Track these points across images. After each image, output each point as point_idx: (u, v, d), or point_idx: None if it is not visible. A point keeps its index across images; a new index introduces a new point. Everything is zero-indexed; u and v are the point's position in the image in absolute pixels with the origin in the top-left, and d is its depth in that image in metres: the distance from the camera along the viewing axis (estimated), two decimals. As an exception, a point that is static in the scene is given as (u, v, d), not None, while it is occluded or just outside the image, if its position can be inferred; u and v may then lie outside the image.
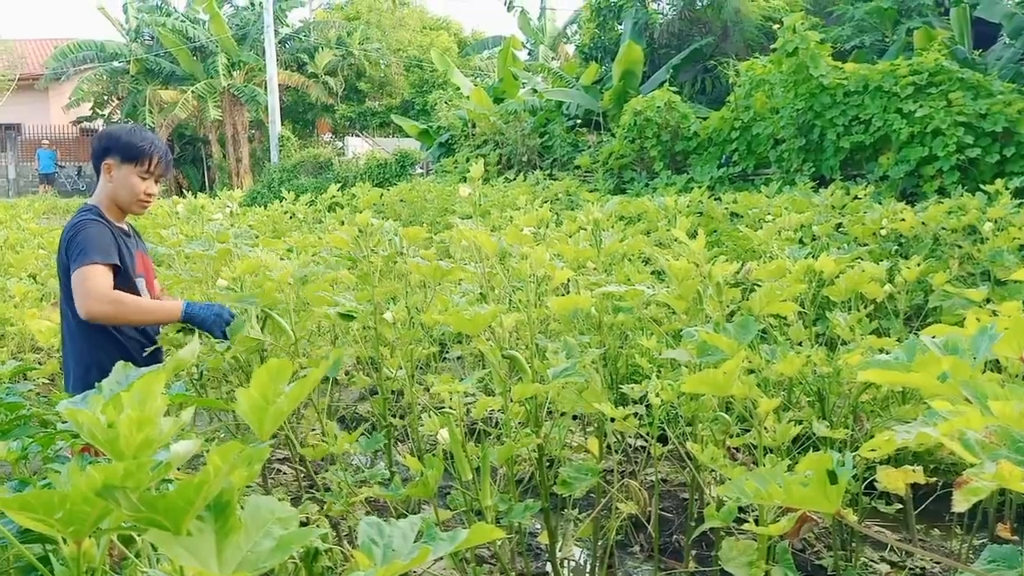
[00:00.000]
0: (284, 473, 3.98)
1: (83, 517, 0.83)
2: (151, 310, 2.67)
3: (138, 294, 2.75)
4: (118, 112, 26.97)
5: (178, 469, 1.05)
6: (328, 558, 1.57)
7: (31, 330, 3.85)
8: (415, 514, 1.04)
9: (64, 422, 1.56)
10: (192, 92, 24.30)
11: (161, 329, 2.82)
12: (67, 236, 2.64)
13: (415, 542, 0.99)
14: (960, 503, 0.92)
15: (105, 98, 27.28)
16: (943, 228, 4.76)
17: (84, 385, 2.59)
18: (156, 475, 0.87)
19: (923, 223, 4.79)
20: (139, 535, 1.12)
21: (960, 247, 4.59)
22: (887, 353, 1.32)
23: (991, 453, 0.96)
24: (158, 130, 22.94)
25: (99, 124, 28.03)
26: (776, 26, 9.65)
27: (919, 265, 3.35)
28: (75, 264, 2.56)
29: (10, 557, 2.13)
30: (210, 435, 3.21)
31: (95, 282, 2.56)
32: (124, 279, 2.69)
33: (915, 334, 1.48)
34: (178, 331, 2.80)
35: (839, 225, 5.19)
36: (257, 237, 4.57)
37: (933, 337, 1.24)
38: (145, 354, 2.74)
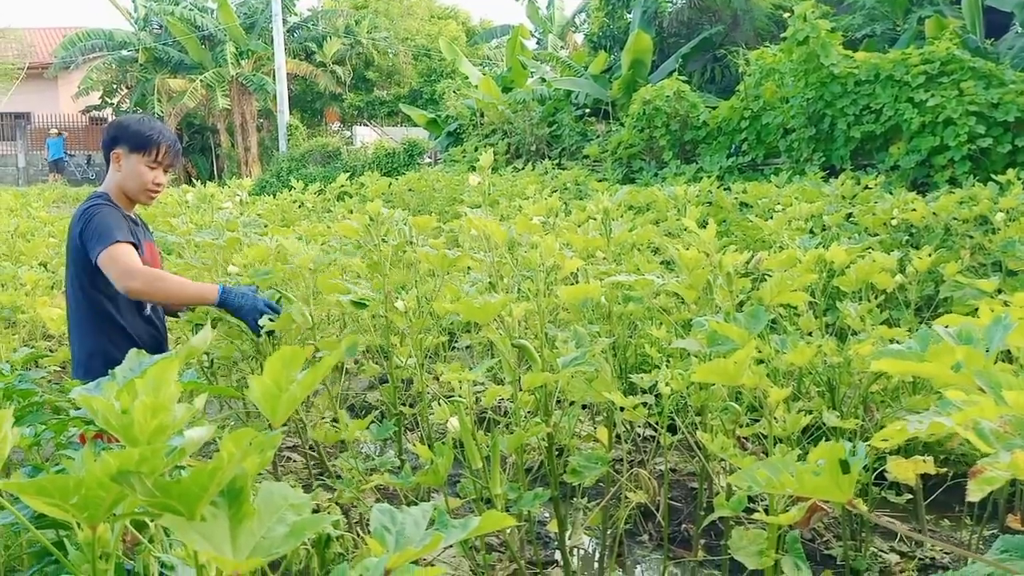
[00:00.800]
0: (294, 461, 3.99)
1: (98, 502, 0.83)
2: (188, 290, 2.68)
3: None
4: (127, 101, 27.01)
5: (190, 456, 1.05)
6: (339, 544, 1.58)
7: (43, 318, 3.87)
8: (425, 502, 1.04)
9: (77, 409, 1.57)
10: (201, 81, 24.31)
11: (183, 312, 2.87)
12: (81, 221, 2.63)
13: (427, 529, 0.99)
14: (975, 492, 0.91)
15: (114, 87, 27.32)
16: (954, 218, 4.73)
17: (86, 371, 2.60)
18: (170, 461, 0.87)
19: (934, 213, 4.76)
20: (152, 521, 1.12)
21: (971, 237, 4.57)
22: (899, 343, 1.32)
23: (1006, 443, 0.96)
24: (167, 119, 22.98)
25: (108, 113, 28.08)
26: (786, 15, 9.57)
27: (930, 255, 3.33)
28: (99, 246, 2.54)
29: (23, 543, 2.15)
30: (221, 423, 3.23)
31: (130, 259, 2.58)
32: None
33: (926, 324, 1.47)
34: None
35: (849, 215, 5.17)
36: (266, 226, 4.57)
37: (946, 327, 1.23)
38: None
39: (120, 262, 2.54)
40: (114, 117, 26.45)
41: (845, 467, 1.06)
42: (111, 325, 2.68)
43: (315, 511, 0.95)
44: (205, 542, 0.83)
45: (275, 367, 0.98)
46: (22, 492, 0.82)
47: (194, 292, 2.67)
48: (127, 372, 1.09)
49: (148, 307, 2.80)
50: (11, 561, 2.16)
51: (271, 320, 2.64)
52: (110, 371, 1.09)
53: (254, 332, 2.69)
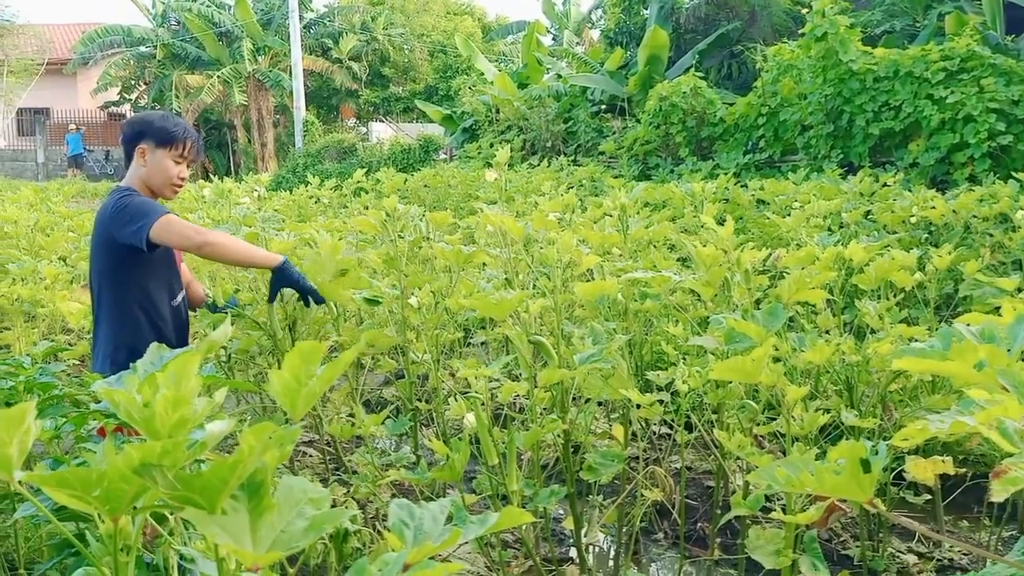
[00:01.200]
0: (310, 456, 4.01)
1: (121, 495, 0.83)
2: (254, 251, 2.74)
3: (175, 270, 2.81)
4: (145, 97, 27.18)
5: (209, 450, 1.06)
6: (357, 539, 1.59)
7: (62, 312, 3.90)
8: (441, 498, 1.04)
9: (97, 402, 1.58)
10: (218, 77, 24.42)
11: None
12: (114, 210, 2.63)
13: (445, 525, 0.99)
14: (999, 492, 0.90)
15: (132, 83, 27.50)
16: (974, 216, 4.69)
17: (112, 363, 2.62)
18: (191, 454, 0.87)
19: (954, 211, 4.72)
20: (172, 514, 1.13)
21: (991, 236, 4.53)
22: (918, 342, 1.31)
23: (1030, 443, 0.95)
24: (184, 115, 23.10)
25: (126, 109, 28.27)
26: (805, 10, 9.52)
27: (950, 254, 3.30)
28: (149, 221, 2.54)
29: (43, 535, 2.17)
30: (238, 417, 3.25)
31: (188, 222, 2.64)
32: (165, 253, 2.73)
33: (946, 323, 1.46)
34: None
35: (868, 212, 5.14)
36: (283, 221, 4.59)
37: (968, 325, 1.22)
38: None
39: (179, 225, 2.59)
40: (132, 113, 26.67)
41: (866, 466, 1.05)
42: (141, 316, 2.70)
43: (332, 506, 0.95)
44: (226, 535, 0.84)
45: (295, 362, 0.98)
46: (45, 484, 0.82)
47: (258, 255, 2.73)
48: (148, 366, 1.09)
49: (179, 296, 2.83)
50: (31, 553, 2.19)
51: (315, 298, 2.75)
52: (132, 364, 1.10)
53: (316, 301, 2.76)
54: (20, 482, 0.88)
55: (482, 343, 4.17)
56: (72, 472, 0.82)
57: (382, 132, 24.08)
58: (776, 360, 2.19)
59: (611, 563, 3.18)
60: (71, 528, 1.37)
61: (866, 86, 8.54)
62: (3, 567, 2.07)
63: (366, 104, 27.61)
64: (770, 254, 2.72)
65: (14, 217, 5.84)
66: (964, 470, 2.67)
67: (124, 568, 0.94)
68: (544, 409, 2.50)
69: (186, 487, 0.82)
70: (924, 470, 2.04)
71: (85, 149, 27.43)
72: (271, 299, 2.79)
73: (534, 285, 2.89)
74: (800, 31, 9.54)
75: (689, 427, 2.80)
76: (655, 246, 4.03)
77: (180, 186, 2.80)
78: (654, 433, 3.51)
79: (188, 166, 2.80)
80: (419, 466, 2.40)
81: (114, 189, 2.78)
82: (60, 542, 1.50)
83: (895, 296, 3.03)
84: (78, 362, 4.17)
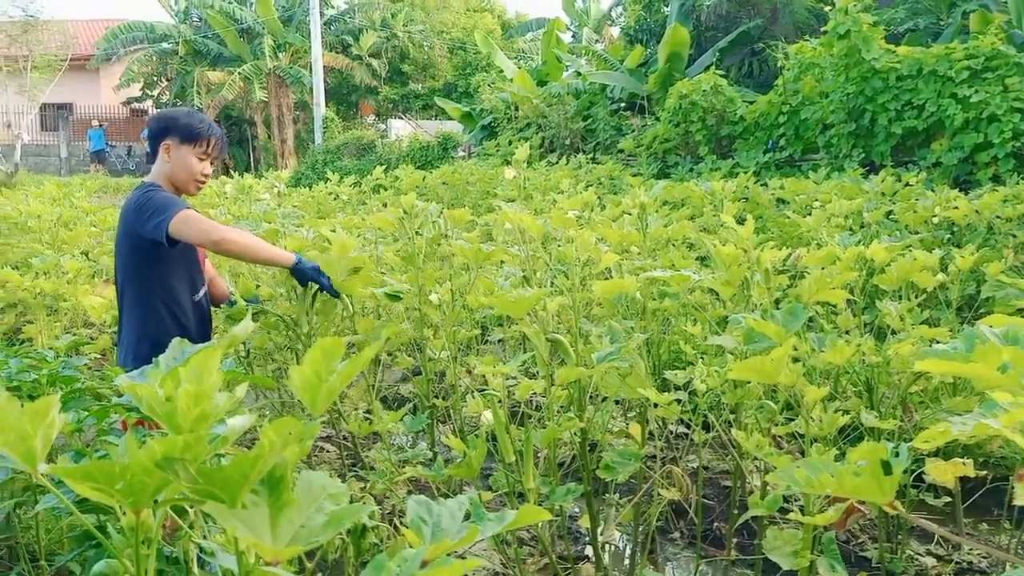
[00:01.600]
0: (328, 451, 4.03)
1: (143, 488, 0.84)
2: (268, 249, 2.77)
3: (198, 266, 2.83)
4: (167, 93, 27.37)
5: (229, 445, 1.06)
6: (374, 535, 1.59)
7: (84, 306, 3.94)
8: (457, 495, 1.04)
9: (119, 396, 1.59)
10: (239, 73, 24.55)
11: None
12: (137, 204, 2.66)
13: (463, 522, 0.99)
14: (1022, 495, 0.90)
15: (155, 79, 27.70)
16: (997, 217, 4.65)
17: (135, 356, 2.64)
18: (213, 448, 0.88)
19: (977, 211, 4.68)
20: (193, 507, 1.14)
21: (1015, 236, 4.48)
22: (940, 343, 1.30)
23: (1054, 447, 0.94)
24: (206, 111, 23.25)
25: (149, 105, 28.48)
26: (827, 8, 9.45)
27: (973, 254, 3.27)
28: (168, 215, 2.57)
29: (64, 527, 2.19)
30: (258, 412, 3.27)
31: (206, 219, 2.67)
32: (188, 248, 2.76)
33: (968, 324, 1.45)
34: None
35: (890, 212, 5.09)
36: (303, 218, 4.61)
37: (991, 327, 1.21)
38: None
39: (197, 220, 2.62)
40: (154, 109, 26.86)
41: (887, 468, 1.04)
42: (163, 310, 2.73)
43: (350, 501, 0.95)
44: (246, 529, 0.84)
45: (316, 357, 0.99)
46: (69, 476, 0.83)
47: (272, 254, 2.76)
48: (171, 360, 1.10)
49: (201, 291, 2.85)
50: (52, 544, 2.21)
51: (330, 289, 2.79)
52: (154, 358, 1.11)
53: (332, 294, 2.81)
54: (43, 474, 0.89)
55: (499, 341, 4.17)
56: (96, 465, 0.83)
57: (401, 129, 24.11)
58: (795, 360, 2.17)
59: (627, 562, 3.18)
60: (92, 520, 1.38)
61: (889, 85, 8.47)
62: (24, 558, 2.09)
63: (385, 101, 27.67)
64: (790, 254, 2.71)
65: (37, 211, 5.90)
66: (984, 473, 2.65)
67: (145, 560, 0.95)
68: (561, 407, 2.50)
69: (207, 481, 0.83)
70: (944, 472, 2.03)
71: (107, 144, 27.66)
72: (304, 286, 2.83)
73: (552, 283, 2.89)
74: (822, 29, 9.47)
75: (707, 427, 2.79)
76: (674, 245, 4.02)
77: (203, 182, 2.83)
78: (671, 432, 3.50)
79: (212, 163, 2.83)
80: (436, 463, 2.41)
81: (138, 184, 2.81)
82: (81, 534, 1.52)
83: (916, 297, 3.00)
84: (100, 356, 4.21)
